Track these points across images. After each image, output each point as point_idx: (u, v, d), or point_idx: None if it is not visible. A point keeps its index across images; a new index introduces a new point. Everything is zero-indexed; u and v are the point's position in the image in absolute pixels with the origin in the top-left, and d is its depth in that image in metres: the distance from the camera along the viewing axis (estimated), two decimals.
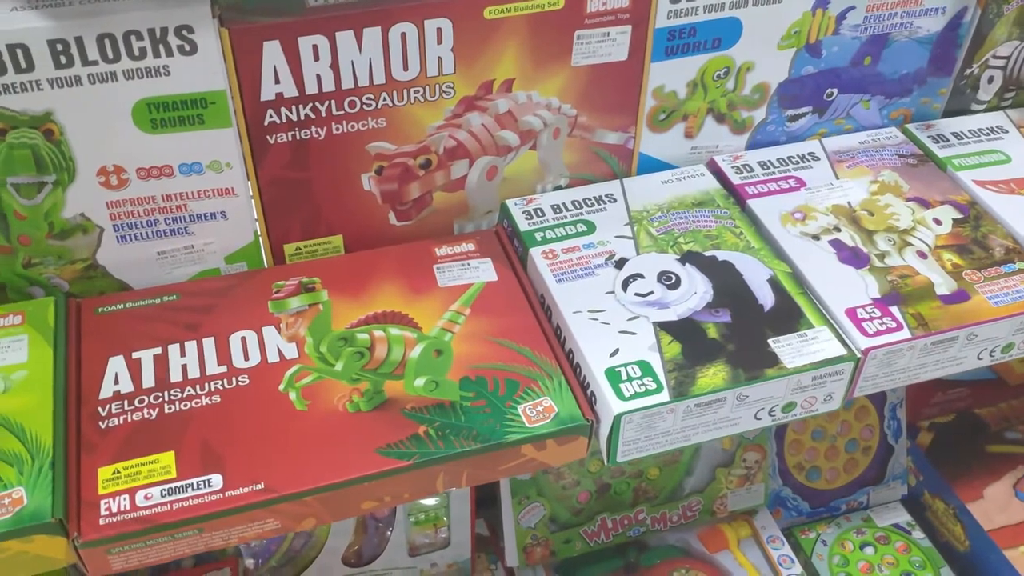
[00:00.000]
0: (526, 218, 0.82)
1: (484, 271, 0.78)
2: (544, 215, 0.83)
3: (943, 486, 1.18)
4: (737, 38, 0.82)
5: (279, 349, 0.71)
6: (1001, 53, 0.92)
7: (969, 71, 0.92)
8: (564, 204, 0.84)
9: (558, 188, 0.86)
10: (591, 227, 0.81)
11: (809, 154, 0.90)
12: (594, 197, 0.85)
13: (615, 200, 0.84)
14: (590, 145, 0.84)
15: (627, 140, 0.85)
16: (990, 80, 0.94)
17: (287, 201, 0.76)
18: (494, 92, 0.77)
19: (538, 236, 0.80)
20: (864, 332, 0.72)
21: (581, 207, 0.83)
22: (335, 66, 0.71)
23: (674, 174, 0.87)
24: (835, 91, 0.89)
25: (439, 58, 0.73)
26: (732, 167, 0.88)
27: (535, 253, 0.79)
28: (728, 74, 0.84)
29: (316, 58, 0.70)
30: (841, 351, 0.71)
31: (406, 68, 0.73)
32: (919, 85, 0.92)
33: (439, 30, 0.72)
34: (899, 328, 0.72)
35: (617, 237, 0.80)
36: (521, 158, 0.82)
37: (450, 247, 0.80)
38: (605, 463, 0.69)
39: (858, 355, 0.71)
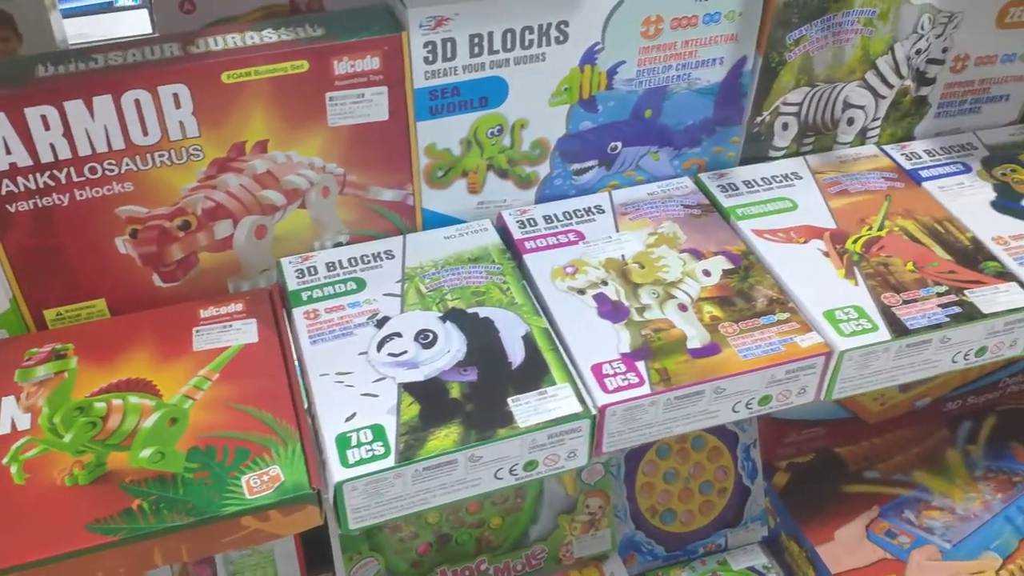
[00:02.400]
0: (298, 276, 0.82)
1: (245, 333, 0.78)
2: (317, 273, 0.82)
3: (795, 528, 1.18)
4: (504, 97, 0.82)
5: (13, 420, 0.70)
6: (791, 100, 0.93)
7: (760, 119, 0.93)
8: (340, 261, 0.84)
9: (339, 245, 0.86)
10: (361, 285, 0.81)
11: (596, 207, 0.90)
12: (372, 254, 0.85)
13: (393, 256, 0.84)
14: (366, 202, 0.84)
15: (405, 197, 0.85)
16: (784, 127, 0.95)
17: (39, 268, 0.76)
18: (248, 153, 0.77)
19: (304, 295, 0.80)
20: (604, 388, 0.72)
21: (357, 264, 0.83)
22: (68, 135, 0.70)
23: (459, 229, 0.88)
24: (619, 144, 0.90)
25: (180, 122, 0.73)
26: (517, 221, 0.88)
27: (297, 313, 0.78)
28: (502, 131, 0.85)
29: (47, 127, 0.70)
30: (577, 408, 0.71)
31: (146, 133, 0.73)
32: (708, 135, 0.93)
33: (175, 95, 0.72)
34: (640, 384, 0.72)
35: (385, 295, 0.80)
36: (291, 216, 0.82)
37: (217, 308, 0.80)
38: (339, 530, 0.69)
39: (593, 412, 0.71)
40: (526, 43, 0.80)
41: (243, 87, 0.73)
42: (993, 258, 0.84)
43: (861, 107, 0.96)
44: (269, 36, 0.75)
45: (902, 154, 0.97)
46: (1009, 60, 0.97)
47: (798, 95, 0.93)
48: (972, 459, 1.24)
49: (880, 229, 0.88)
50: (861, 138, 0.99)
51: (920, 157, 0.97)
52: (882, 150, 0.98)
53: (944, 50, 0.94)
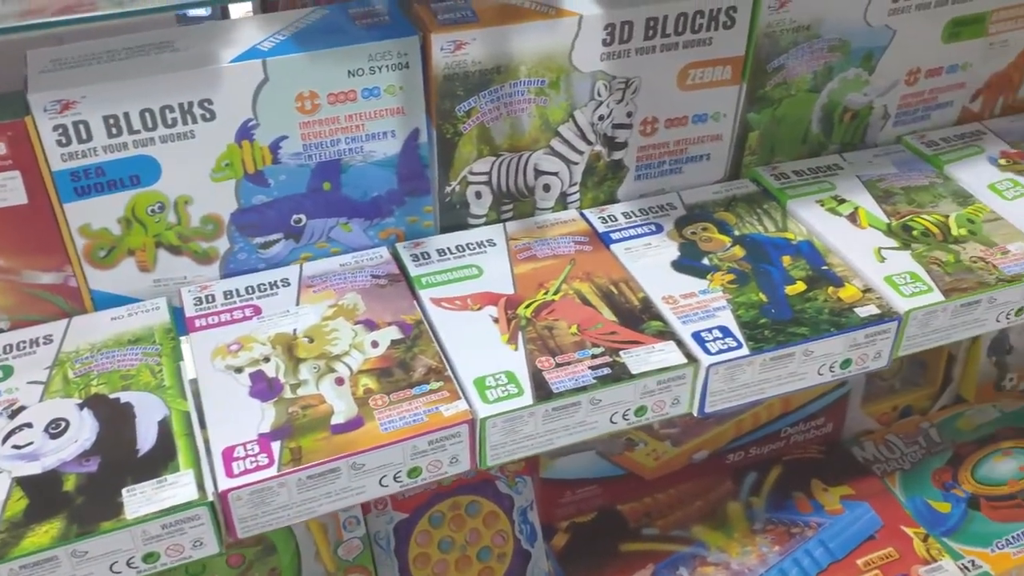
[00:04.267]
0: None
1: None
2: None
3: None
4: (158, 174, 0.82)
5: None
6: (478, 169, 0.94)
7: (450, 189, 0.94)
8: None
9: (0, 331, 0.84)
10: (8, 372, 0.79)
11: (282, 280, 0.89)
12: (30, 339, 0.82)
13: (51, 341, 0.82)
14: (22, 287, 0.82)
15: (66, 279, 0.83)
16: (478, 195, 0.96)
17: None
18: None
19: None
20: (230, 472, 0.70)
21: (11, 351, 0.81)
22: None
23: (129, 309, 0.86)
24: (303, 217, 0.90)
25: None
26: (195, 298, 0.87)
27: None
28: (164, 208, 0.84)
29: None
30: (193, 496, 0.69)
31: None
32: (399, 206, 0.93)
33: None
34: (269, 465, 0.71)
35: (30, 383, 0.78)
36: None
37: None
38: None
39: (211, 499, 0.69)
40: (169, 122, 0.79)
41: None
42: (658, 317, 0.86)
43: (554, 173, 0.98)
44: None
45: (599, 217, 0.99)
46: (701, 120, 1.01)
47: (484, 164, 0.94)
48: (754, 511, 1.25)
49: (556, 293, 0.89)
50: (563, 203, 1.00)
51: (616, 220, 0.99)
52: (582, 214, 1.00)
53: (629, 114, 0.97)
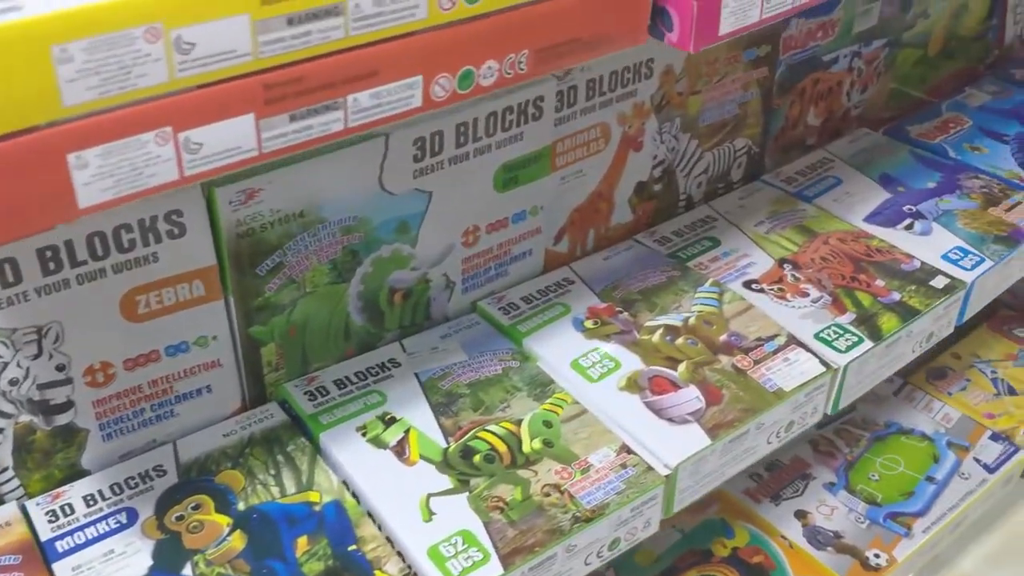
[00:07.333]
0: None
1: None
2: None
3: None
4: None
5: None
6: None
7: None
8: None
9: None
10: None
11: None
12: None
13: None
14: None
15: None
16: None
17: None
18: None
19: None
20: None
21: None
22: None
23: None
24: None
25: None
26: None
27: None
28: None
29: None
30: None
31: None
32: None
33: None
34: None
35: None
36: None
37: None
38: None
39: None
40: None
41: None
42: None
43: None
44: None
45: (48, 512, 0.69)
46: (180, 351, 0.74)
47: None
48: None
49: None
50: None
51: (73, 511, 0.69)
52: (23, 509, 0.70)
53: (61, 367, 0.68)
